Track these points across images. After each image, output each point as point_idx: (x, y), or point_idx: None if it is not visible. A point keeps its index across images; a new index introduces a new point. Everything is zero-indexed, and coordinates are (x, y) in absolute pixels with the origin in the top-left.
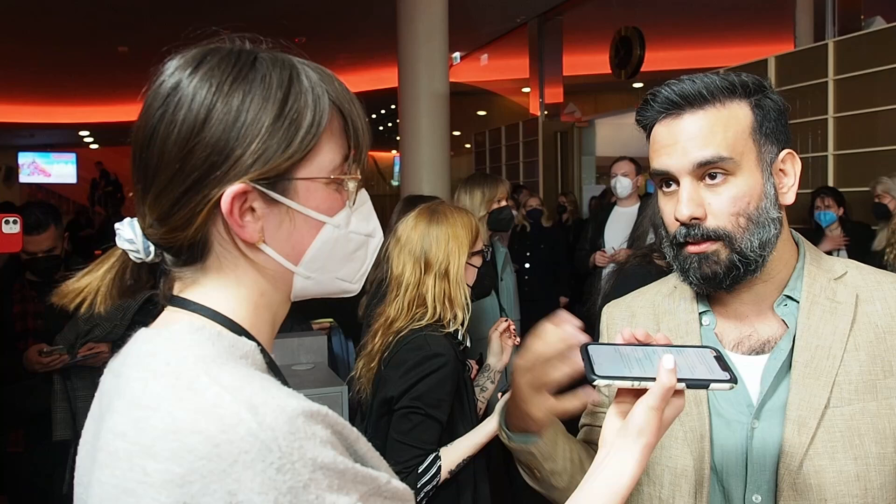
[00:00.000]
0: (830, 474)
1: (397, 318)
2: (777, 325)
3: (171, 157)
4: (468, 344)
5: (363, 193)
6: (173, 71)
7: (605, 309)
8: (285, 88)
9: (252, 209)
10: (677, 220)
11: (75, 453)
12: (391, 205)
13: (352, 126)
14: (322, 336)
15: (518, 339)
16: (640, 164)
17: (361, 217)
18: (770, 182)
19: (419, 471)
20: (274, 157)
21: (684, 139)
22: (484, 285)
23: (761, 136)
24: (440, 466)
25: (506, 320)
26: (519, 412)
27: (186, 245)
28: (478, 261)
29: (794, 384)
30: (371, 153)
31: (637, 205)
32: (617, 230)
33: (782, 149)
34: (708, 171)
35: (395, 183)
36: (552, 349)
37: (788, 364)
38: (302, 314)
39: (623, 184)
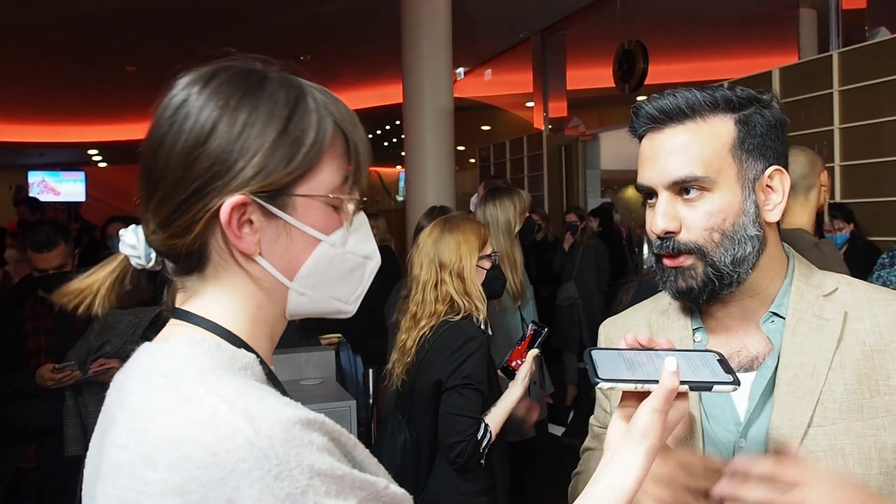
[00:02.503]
0: None
1: (420, 312)
2: (764, 342)
3: (176, 165)
4: (490, 332)
5: (361, 216)
6: (185, 86)
7: (601, 327)
8: (291, 107)
9: (250, 221)
10: (653, 232)
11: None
12: (396, 220)
13: (354, 149)
14: (330, 351)
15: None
16: None
17: (359, 238)
18: (751, 199)
19: (478, 437)
20: (275, 171)
21: (663, 154)
22: (494, 287)
23: (743, 152)
24: (490, 431)
25: (536, 349)
26: None
27: (185, 253)
28: (486, 263)
29: (777, 403)
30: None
31: None
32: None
33: (771, 164)
34: (682, 187)
35: (399, 198)
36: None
37: (773, 382)
38: (310, 329)
39: None
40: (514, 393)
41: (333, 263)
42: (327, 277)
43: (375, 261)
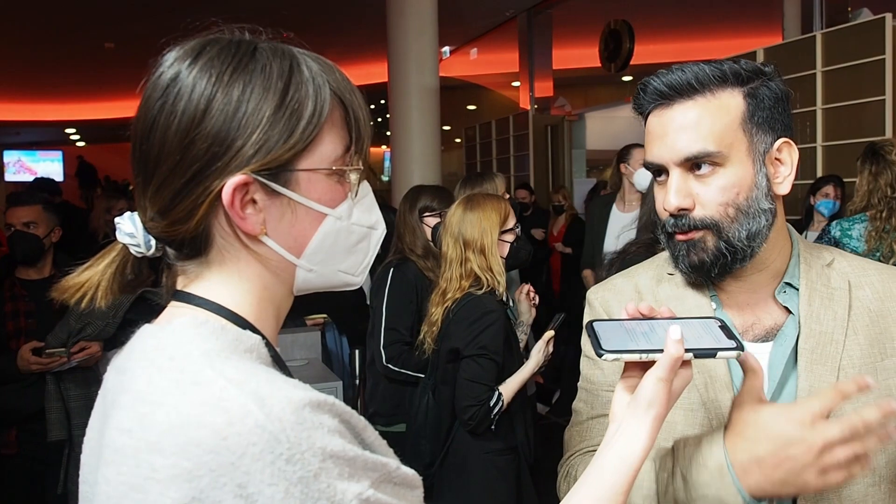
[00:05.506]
0: None
1: (448, 288)
2: (779, 313)
3: (172, 149)
4: (511, 304)
5: (365, 185)
6: (172, 62)
7: (591, 294)
8: (286, 79)
9: (254, 201)
10: (666, 210)
11: (69, 454)
12: (381, 200)
13: (353, 116)
14: (316, 332)
15: (537, 299)
16: None
17: (364, 209)
18: (762, 172)
19: (490, 404)
20: (275, 147)
21: (673, 131)
22: (519, 257)
23: (753, 125)
24: (503, 399)
25: (527, 284)
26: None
27: (188, 238)
28: (509, 237)
29: (803, 372)
30: None
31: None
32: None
33: (779, 137)
34: (695, 163)
35: (385, 178)
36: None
37: (795, 351)
38: (294, 310)
39: (644, 175)
40: (528, 366)
41: (340, 237)
42: (334, 251)
43: (381, 230)
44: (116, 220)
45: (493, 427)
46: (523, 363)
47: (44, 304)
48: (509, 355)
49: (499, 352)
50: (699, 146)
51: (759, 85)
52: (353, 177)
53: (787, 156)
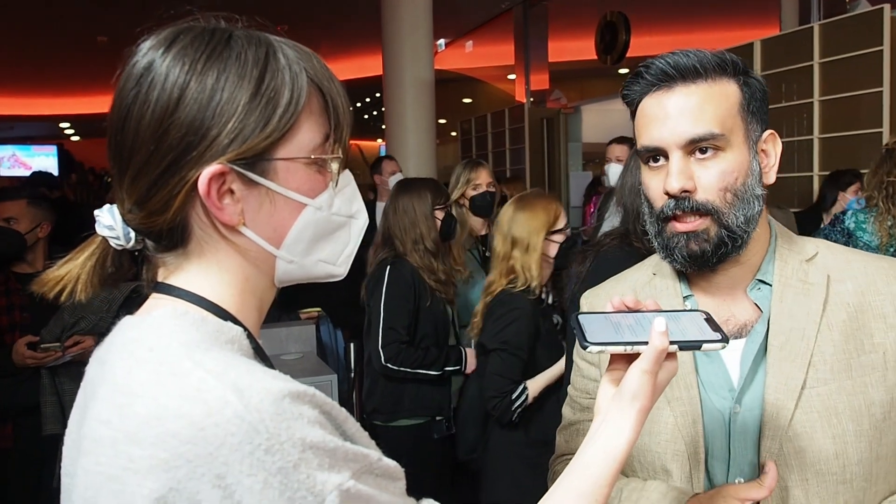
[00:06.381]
0: (810, 454)
1: (493, 282)
2: (752, 310)
3: (146, 139)
4: (550, 301)
5: (347, 174)
6: (146, 51)
7: (584, 298)
8: (261, 66)
9: (231, 191)
10: (667, 193)
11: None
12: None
13: (331, 104)
14: (310, 325)
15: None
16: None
17: (345, 198)
18: (756, 160)
19: (512, 397)
20: (251, 136)
21: (676, 113)
22: (568, 256)
23: (748, 114)
24: (528, 394)
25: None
26: None
27: (166, 229)
28: (559, 237)
29: (771, 367)
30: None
31: None
32: None
33: (765, 129)
34: (699, 146)
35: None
36: None
37: (765, 347)
38: (289, 304)
39: (615, 171)
40: (560, 364)
41: (320, 227)
42: (315, 242)
43: (363, 219)
44: (96, 212)
45: (514, 419)
46: (559, 357)
47: (38, 298)
48: (544, 351)
49: (522, 347)
50: (704, 128)
51: (749, 77)
52: (334, 166)
53: (772, 147)
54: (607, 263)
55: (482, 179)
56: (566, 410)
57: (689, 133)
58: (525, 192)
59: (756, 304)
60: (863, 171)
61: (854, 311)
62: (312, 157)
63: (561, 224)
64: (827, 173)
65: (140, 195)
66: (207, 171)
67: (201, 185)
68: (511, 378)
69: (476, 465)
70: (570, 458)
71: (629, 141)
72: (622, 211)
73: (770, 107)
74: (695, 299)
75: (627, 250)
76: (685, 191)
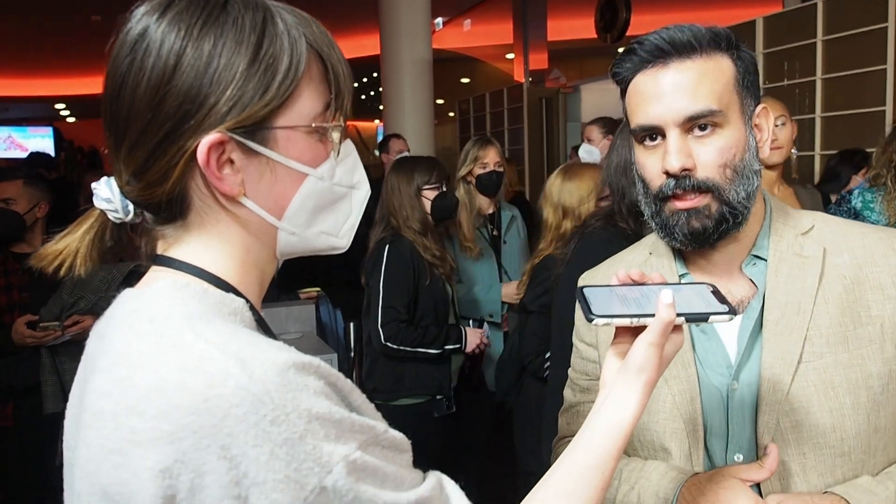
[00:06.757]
0: (807, 428)
1: (543, 249)
2: (747, 286)
3: (142, 108)
4: None
5: (348, 144)
6: (140, 17)
7: (581, 280)
8: (259, 31)
9: (231, 161)
10: (666, 172)
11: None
12: (376, 174)
13: (332, 71)
14: (310, 305)
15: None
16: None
17: (347, 168)
18: (752, 135)
19: (545, 356)
20: (250, 104)
21: (671, 90)
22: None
23: (743, 88)
24: None
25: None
26: None
27: (165, 201)
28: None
29: (767, 343)
30: (353, 122)
31: None
32: None
33: (757, 103)
34: (697, 123)
35: (378, 153)
36: None
37: (761, 323)
38: (288, 283)
39: (585, 150)
40: None
41: (322, 198)
42: (317, 213)
43: (365, 190)
44: (93, 185)
45: (546, 376)
46: None
47: (38, 276)
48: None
49: None
50: (702, 105)
51: (741, 52)
52: (335, 134)
53: (764, 121)
54: (592, 244)
55: (490, 158)
56: (567, 393)
57: (687, 110)
58: (568, 162)
59: (751, 280)
60: (868, 149)
61: (851, 283)
62: (313, 125)
63: (607, 191)
64: (829, 153)
65: (137, 166)
66: (206, 140)
67: (200, 154)
68: (547, 339)
69: (510, 405)
70: (567, 441)
71: (602, 121)
72: (607, 191)
73: (772, 85)
74: (691, 277)
75: (612, 231)
76: (685, 169)
